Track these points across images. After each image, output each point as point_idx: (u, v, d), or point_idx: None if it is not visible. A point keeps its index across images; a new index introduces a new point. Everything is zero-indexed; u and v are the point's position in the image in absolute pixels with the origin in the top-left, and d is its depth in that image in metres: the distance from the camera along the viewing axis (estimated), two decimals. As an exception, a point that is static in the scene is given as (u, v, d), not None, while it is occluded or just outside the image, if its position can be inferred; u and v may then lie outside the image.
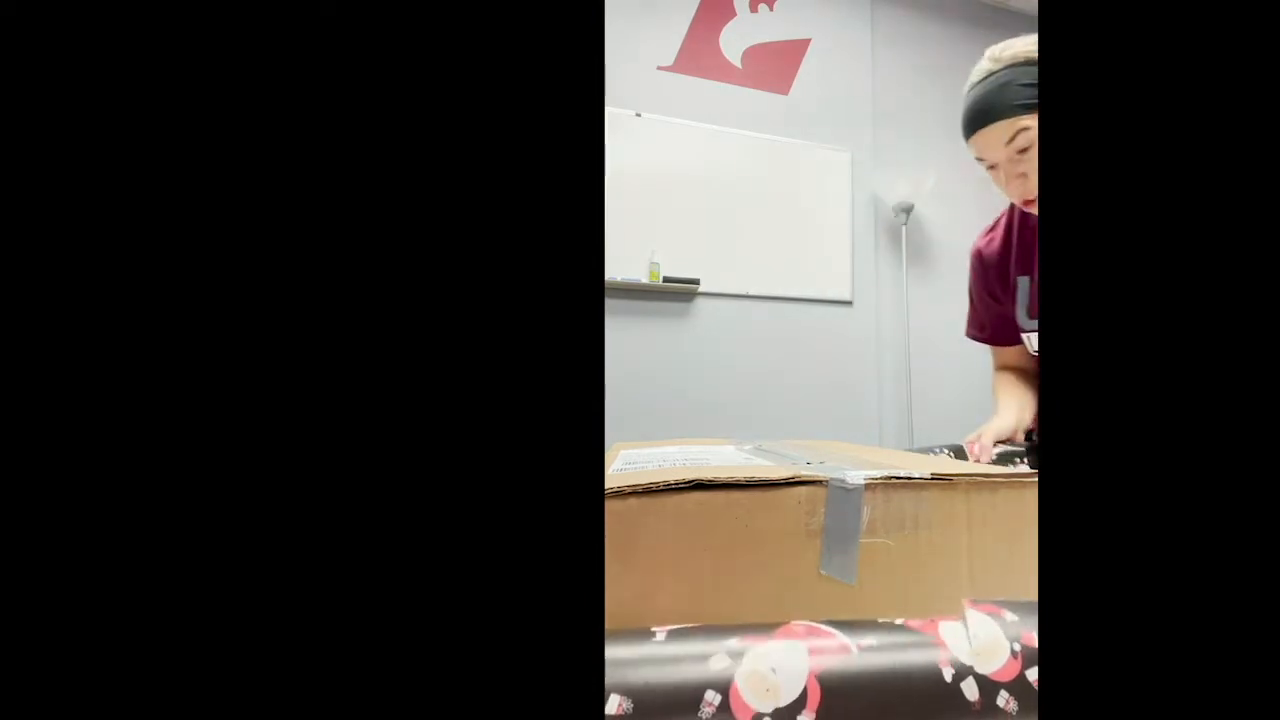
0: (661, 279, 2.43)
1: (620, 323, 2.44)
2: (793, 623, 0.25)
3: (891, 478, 0.31)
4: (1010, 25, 3.14)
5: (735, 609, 0.30)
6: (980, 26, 3.09)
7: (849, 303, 2.73)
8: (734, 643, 0.23)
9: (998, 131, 0.81)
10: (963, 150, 0.85)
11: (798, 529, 0.31)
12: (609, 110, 2.43)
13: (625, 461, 0.44)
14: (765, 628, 0.24)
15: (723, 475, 0.31)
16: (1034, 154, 0.80)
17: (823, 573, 0.30)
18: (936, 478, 0.31)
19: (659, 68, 2.56)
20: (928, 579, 0.31)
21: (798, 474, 0.31)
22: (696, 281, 2.47)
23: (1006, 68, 0.80)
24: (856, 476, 0.31)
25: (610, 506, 0.30)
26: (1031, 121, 0.79)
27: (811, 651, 0.23)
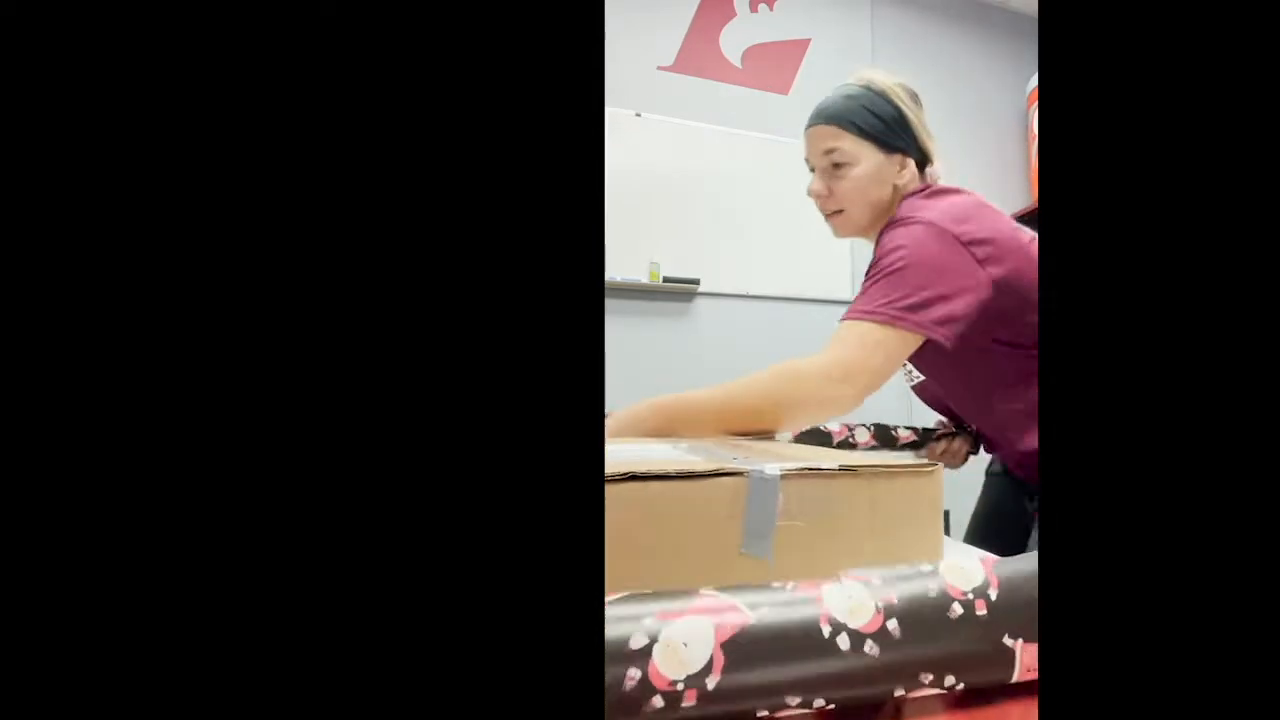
0: (661, 279, 2.43)
1: (620, 323, 2.44)
2: (702, 593, 0.28)
3: (805, 469, 0.36)
4: (1010, 25, 3.14)
5: (666, 583, 0.33)
6: (980, 26, 3.09)
7: (849, 303, 2.73)
8: (650, 621, 0.26)
9: (822, 134, 0.83)
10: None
11: (720, 515, 0.35)
12: (609, 110, 2.43)
13: None
14: (681, 598, 0.28)
15: (655, 468, 0.35)
16: (844, 176, 0.82)
17: (743, 553, 0.35)
18: (844, 469, 0.36)
19: (659, 68, 2.56)
20: (834, 553, 0.35)
21: (722, 466, 0.35)
22: (696, 281, 2.47)
23: (862, 87, 0.83)
24: (773, 468, 0.35)
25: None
26: (853, 146, 0.81)
27: (717, 625, 0.27)
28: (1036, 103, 2.96)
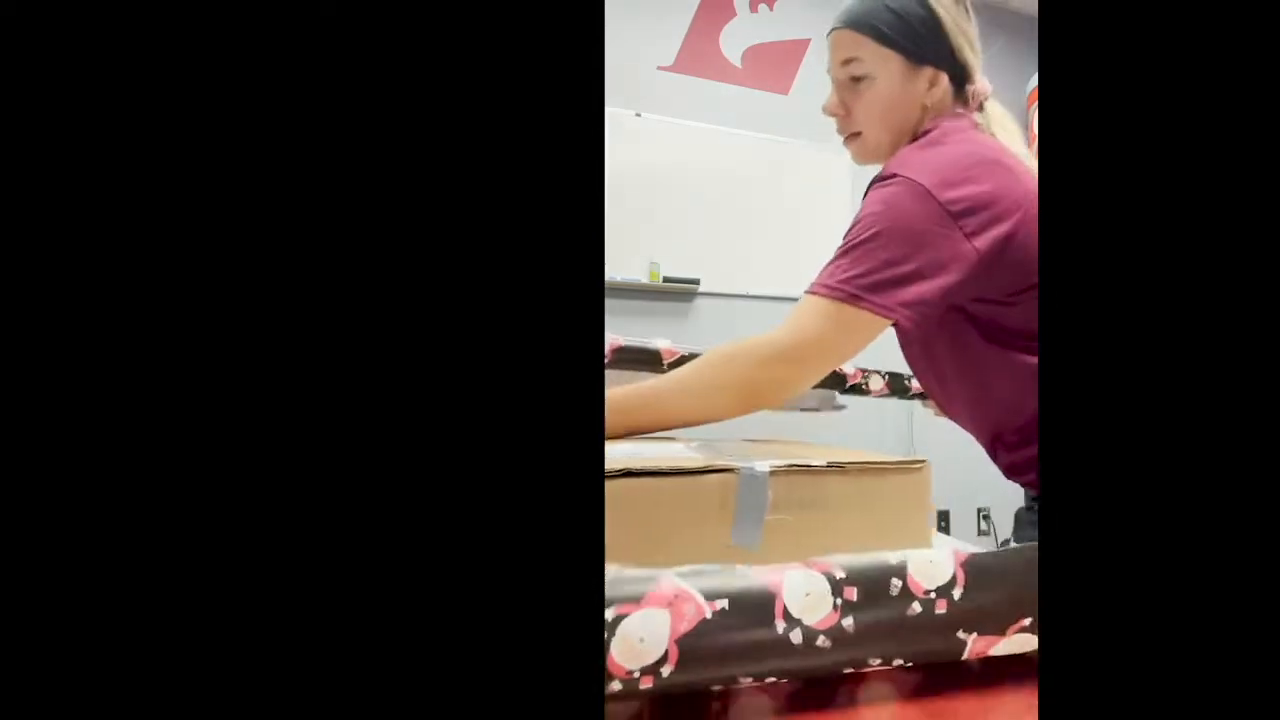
0: (661, 279, 2.43)
1: (620, 323, 2.44)
2: (661, 579, 0.29)
3: (794, 465, 0.36)
4: (1010, 25, 3.14)
5: None
6: (980, 26, 3.09)
7: (849, 303, 2.72)
8: (609, 614, 0.27)
9: (841, 41, 0.71)
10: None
11: (711, 509, 0.36)
12: (609, 110, 2.43)
13: None
14: (640, 584, 0.28)
15: (649, 465, 0.36)
16: (862, 92, 0.71)
17: (732, 544, 0.36)
18: (833, 465, 0.37)
19: (659, 68, 2.56)
20: (822, 547, 0.36)
21: (712, 463, 0.36)
22: (696, 281, 2.47)
23: None
24: (763, 464, 0.36)
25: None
26: (874, 56, 0.69)
27: (673, 619, 0.28)
28: (1036, 103, 2.96)
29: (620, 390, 0.63)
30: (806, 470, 0.37)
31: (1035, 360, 0.66)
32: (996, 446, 0.74)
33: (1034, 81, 3.04)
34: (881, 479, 0.38)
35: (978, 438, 0.77)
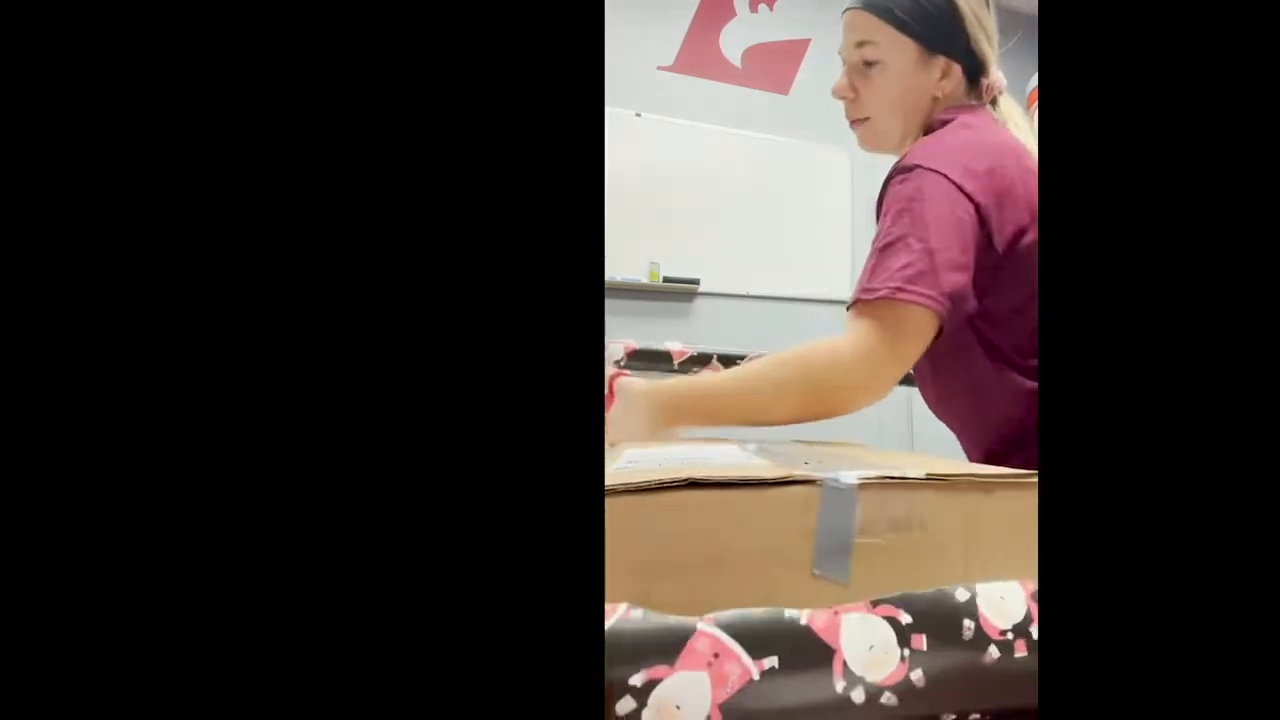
0: (661, 279, 2.43)
1: (620, 323, 2.44)
2: (700, 628, 0.25)
3: (886, 478, 0.31)
4: (1010, 25, 3.13)
5: (725, 604, 0.29)
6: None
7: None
8: (639, 679, 0.23)
9: (856, 23, 0.69)
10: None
11: (791, 528, 0.30)
12: (609, 110, 2.43)
13: (628, 460, 0.43)
14: (675, 637, 0.24)
15: (717, 474, 0.31)
16: (873, 77, 0.69)
17: (816, 574, 0.30)
18: (932, 478, 0.31)
19: (659, 68, 2.56)
20: (922, 578, 0.30)
21: (791, 473, 0.31)
22: (696, 281, 2.47)
23: None
24: (850, 476, 0.31)
25: (606, 504, 0.29)
26: (889, 41, 0.67)
27: (713, 683, 0.24)
28: (1036, 103, 2.95)
29: (672, 382, 0.60)
30: (902, 484, 0.31)
31: (1027, 375, 0.64)
32: (987, 458, 0.73)
33: (1034, 81, 3.04)
34: (989, 495, 0.31)
35: (966, 445, 0.76)
